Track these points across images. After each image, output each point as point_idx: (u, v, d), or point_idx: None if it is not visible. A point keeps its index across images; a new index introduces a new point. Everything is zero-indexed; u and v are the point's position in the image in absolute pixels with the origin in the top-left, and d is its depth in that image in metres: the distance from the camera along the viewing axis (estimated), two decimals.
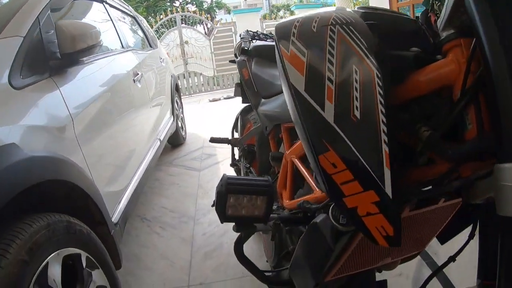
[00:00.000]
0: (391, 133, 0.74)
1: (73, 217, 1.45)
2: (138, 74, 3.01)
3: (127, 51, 3.17)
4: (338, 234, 0.95)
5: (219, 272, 2.28)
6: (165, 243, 2.69)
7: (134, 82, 2.87)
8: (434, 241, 1.23)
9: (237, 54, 2.36)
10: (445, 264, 1.23)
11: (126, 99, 2.65)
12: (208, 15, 10.39)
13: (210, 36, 9.39)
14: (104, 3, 3.09)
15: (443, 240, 1.26)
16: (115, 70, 2.59)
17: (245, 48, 2.25)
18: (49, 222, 1.27)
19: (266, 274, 1.40)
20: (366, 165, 0.74)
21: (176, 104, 4.71)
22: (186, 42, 9.11)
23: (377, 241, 0.75)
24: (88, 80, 2.04)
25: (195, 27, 9.47)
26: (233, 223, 1.15)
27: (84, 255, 1.44)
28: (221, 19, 10.43)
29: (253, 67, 2.12)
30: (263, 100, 1.97)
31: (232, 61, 2.49)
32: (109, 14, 3.12)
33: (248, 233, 1.36)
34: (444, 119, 0.79)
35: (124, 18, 3.78)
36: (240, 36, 2.51)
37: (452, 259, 1.20)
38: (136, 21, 4.29)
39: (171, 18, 9.19)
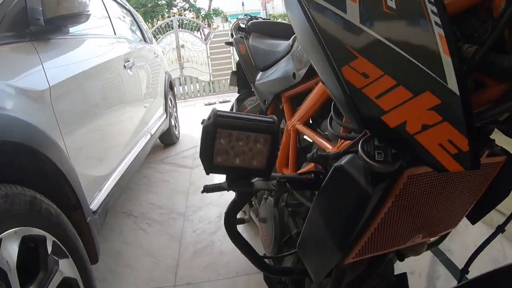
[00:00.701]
0: (443, 11, 0.52)
1: (43, 196, 1.25)
2: (129, 61, 2.84)
3: (119, 38, 3.03)
4: (372, 179, 0.69)
5: (209, 271, 2.05)
6: (151, 240, 2.45)
7: (125, 68, 2.70)
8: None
9: (233, 33, 2.22)
10: (493, 235, 1.00)
11: (114, 82, 2.46)
12: (206, 21, 10.19)
13: (206, 40, 9.19)
14: None
15: (474, 218, 1.05)
16: (104, 51, 2.42)
17: (242, 25, 2.11)
18: (7, 192, 1.05)
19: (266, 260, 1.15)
20: (414, 60, 0.53)
21: (170, 102, 4.53)
22: (183, 46, 8.89)
23: (442, 165, 0.54)
24: (73, 53, 1.90)
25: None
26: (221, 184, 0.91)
27: (50, 239, 1.21)
28: (218, 26, 10.19)
29: (250, 41, 1.98)
30: (260, 73, 1.81)
31: (229, 43, 2.31)
32: (103, 2, 2.97)
33: (243, 196, 1.00)
34: (490, 33, 0.55)
35: (119, 10, 3.62)
36: (238, 19, 2.35)
37: (500, 229, 0.98)
38: (132, 15, 4.11)
39: (168, 24, 8.99)
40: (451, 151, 0.53)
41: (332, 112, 1.07)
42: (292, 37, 1.52)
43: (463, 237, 1.09)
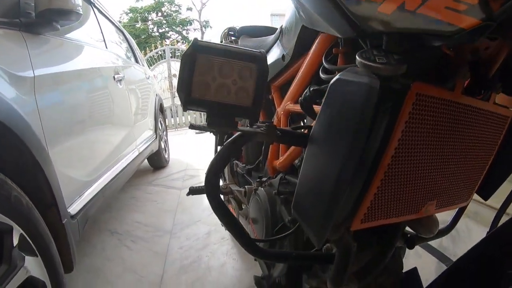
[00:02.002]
0: None
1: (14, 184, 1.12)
2: (119, 74, 2.78)
3: (110, 52, 2.98)
4: (377, 102, 0.57)
5: None
6: (135, 256, 2.26)
7: (114, 79, 2.63)
8: (451, 240, 0.93)
9: (223, 40, 2.16)
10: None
11: (102, 91, 2.38)
12: None
13: None
14: (92, 6, 2.93)
15: (485, 194, 0.96)
16: (94, 59, 2.36)
17: (231, 32, 2.09)
18: None
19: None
20: None
21: (160, 125, 4.45)
22: (175, 75, 8.88)
23: (455, 25, 0.48)
24: (62, 52, 1.88)
25: None
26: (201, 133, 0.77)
27: (17, 231, 1.06)
28: None
29: (240, 42, 1.93)
30: None
31: None
32: (96, 17, 2.94)
33: (227, 149, 0.81)
34: None
35: (112, 27, 3.60)
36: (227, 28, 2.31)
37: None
38: (124, 36, 4.08)
39: (160, 55, 9.00)
40: (461, 8, 0.46)
41: (323, 62, 0.97)
42: (279, 26, 1.45)
43: (468, 243, 0.99)
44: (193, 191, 1.79)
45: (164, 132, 4.84)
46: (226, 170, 2.04)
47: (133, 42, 4.34)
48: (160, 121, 4.48)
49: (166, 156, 4.74)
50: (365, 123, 0.58)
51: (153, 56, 9.02)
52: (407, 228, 1.00)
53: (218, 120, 0.75)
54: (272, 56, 1.43)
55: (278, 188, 1.16)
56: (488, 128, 0.78)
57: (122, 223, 2.79)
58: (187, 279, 1.95)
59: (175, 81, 8.92)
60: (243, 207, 1.73)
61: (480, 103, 0.72)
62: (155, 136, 4.04)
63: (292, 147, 1.17)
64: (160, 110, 4.65)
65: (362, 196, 0.66)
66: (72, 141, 1.76)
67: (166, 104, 8.60)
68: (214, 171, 0.82)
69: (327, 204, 0.65)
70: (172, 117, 9.06)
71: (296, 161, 1.18)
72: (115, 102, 2.57)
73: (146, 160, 4.35)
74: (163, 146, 4.55)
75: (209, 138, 6.45)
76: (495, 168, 0.89)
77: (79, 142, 1.86)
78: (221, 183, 2.02)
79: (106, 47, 2.91)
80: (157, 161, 4.42)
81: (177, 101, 8.99)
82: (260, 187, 1.29)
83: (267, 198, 1.19)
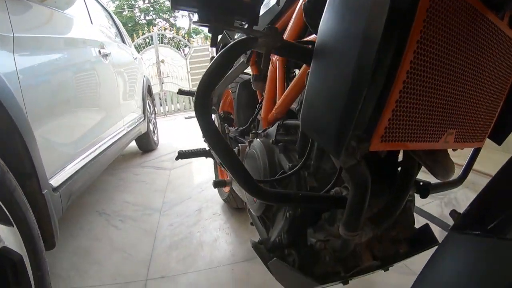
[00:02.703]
0: None
1: None
2: (105, 49, 2.69)
3: (96, 27, 2.88)
4: None
5: (186, 264, 1.77)
6: (123, 235, 2.15)
7: (100, 54, 2.54)
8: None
9: None
10: None
11: (87, 63, 2.29)
12: (186, 37, 10.03)
13: (187, 55, 9.00)
14: None
15: (499, 138, 0.90)
16: (78, 29, 2.30)
17: None
18: None
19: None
20: None
21: (148, 107, 4.31)
22: (162, 61, 8.68)
23: None
24: (44, 17, 1.81)
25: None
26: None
27: None
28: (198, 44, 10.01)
29: None
30: None
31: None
32: None
33: (224, 57, 0.70)
34: None
35: (98, 6, 3.45)
36: None
37: None
38: (111, 16, 3.93)
39: (148, 42, 8.79)
40: None
41: None
42: None
43: None
44: (182, 154, 1.69)
45: (153, 115, 4.71)
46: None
47: (120, 24, 4.19)
48: (148, 103, 4.35)
49: (155, 138, 4.61)
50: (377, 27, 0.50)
51: (141, 44, 8.80)
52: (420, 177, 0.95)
53: (211, 14, 0.65)
54: (266, 5, 1.34)
55: (275, 136, 1.07)
56: (504, 55, 0.72)
57: (110, 203, 2.68)
58: (178, 255, 1.85)
59: (163, 67, 8.75)
60: None
61: (498, 21, 0.65)
62: (143, 117, 3.91)
63: (291, 87, 1.06)
64: (148, 92, 4.52)
65: (380, 110, 0.57)
66: (54, 108, 1.66)
67: (155, 90, 8.41)
68: (207, 83, 0.70)
69: (345, 107, 0.56)
70: (161, 105, 8.88)
71: (295, 105, 1.08)
72: (100, 76, 2.47)
73: (135, 144, 4.28)
74: (151, 129, 4.42)
75: (197, 125, 6.24)
76: (508, 111, 0.84)
77: (61, 110, 1.75)
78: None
79: (92, 23, 2.81)
80: (146, 143, 4.30)
81: (166, 87, 8.82)
82: (255, 139, 1.19)
83: (263, 148, 1.10)
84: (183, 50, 10.13)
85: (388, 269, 1.02)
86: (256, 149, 1.14)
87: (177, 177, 3.21)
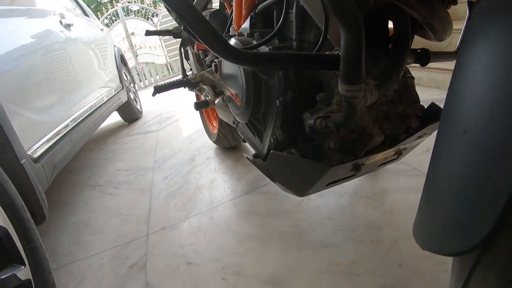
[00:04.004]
0: None
1: None
2: (66, 19, 2.52)
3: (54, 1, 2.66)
4: None
5: (186, 210, 1.64)
6: (120, 200, 2.01)
7: (61, 24, 2.39)
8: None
9: None
10: None
11: (52, 34, 2.15)
12: (151, 5, 9.57)
13: (156, 23, 8.58)
14: None
15: None
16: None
17: None
18: None
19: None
20: None
21: (125, 77, 4.10)
22: (132, 34, 8.27)
23: None
24: None
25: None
26: None
27: None
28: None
29: None
30: None
31: None
32: None
33: None
34: None
35: None
36: None
37: None
38: None
39: (114, 20, 8.34)
40: None
41: None
42: None
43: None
44: (159, 88, 1.55)
45: (132, 84, 4.48)
46: (192, 63, 1.74)
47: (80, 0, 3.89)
48: (124, 73, 4.13)
49: (138, 107, 4.41)
50: None
51: (107, 23, 8.35)
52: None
53: None
54: None
55: (250, 28, 0.95)
56: None
57: (103, 175, 2.53)
58: (176, 203, 1.73)
59: (134, 40, 8.35)
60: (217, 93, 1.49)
61: None
62: (121, 86, 3.71)
63: None
64: (123, 62, 4.30)
65: None
66: (21, 77, 1.54)
67: (130, 64, 8.08)
68: None
69: None
70: (140, 80, 8.55)
71: None
72: (66, 47, 2.30)
73: (119, 117, 4.14)
74: (132, 97, 4.20)
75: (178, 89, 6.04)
76: None
77: (29, 79, 1.63)
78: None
79: None
80: (129, 113, 4.11)
81: (141, 59, 8.47)
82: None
83: (240, 44, 0.94)
84: (152, 20, 9.67)
85: (401, 153, 0.89)
86: None
87: (165, 135, 3.05)
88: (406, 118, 0.81)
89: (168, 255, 1.36)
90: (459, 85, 0.35)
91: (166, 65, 8.63)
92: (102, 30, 3.86)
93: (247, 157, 0.96)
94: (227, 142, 2.08)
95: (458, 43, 0.98)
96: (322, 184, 0.80)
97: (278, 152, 0.82)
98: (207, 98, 1.50)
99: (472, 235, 0.28)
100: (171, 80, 1.71)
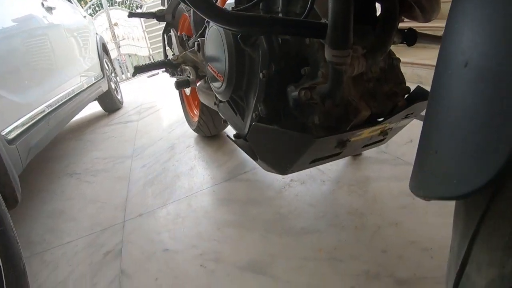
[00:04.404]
0: None
1: None
2: (48, 2, 2.45)
3: None
4: None
5: (164, 197, 1.58)
6: (96, 188, 1.94)
7: (43, 6, 2.31)
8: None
9: None
10: None
11: (32, 16, 2.08)
12: None
13: None
14: None
15: None
16: None
17: None
18: None
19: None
20: None
21: (106, 66, 3.99)
22: (116, 24, 8.09)
23: None
24: None
25: None
26: None
27: None
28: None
29: None
30: None
31: None
32: None
33: None
34: None
35: None
36: None
37: None
38: None
39: (97, 10, 8.14)
40: None
41: None
42: None
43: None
44: (139, 68, 1.49)
45: (113, 74, 4.37)
46: (175, 45, 1.68)
47: None
48: (106, 62, 4.03)
49: (119, 97, 4.30)
50: None
51: (91, 13, 8.14)
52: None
53: None
54: None
55: (235, 3, 0.89)
56: None
57: (80, 163, 2.43)
58: (154, 190, 1.67)
59: (117, 30, 8.17)
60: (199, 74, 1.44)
61: None
62: (102, 74, 3.61)
63: None
64: (105, 51, 4.18)
65: None
66: None
67: (113, 55, 7.89)
68: None
69: None
70: (122, 73, 8.36)
71: None
72: (48, 28, 2.24)
73: (100, 107, 4.05)
74: (113, 87, 4.10)
75: (160, 80, 5.97)
76: None
77: (5, 58, 1.58)
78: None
79: None
80: (110, 103, 4.00)
81: (123, 50, 8.30)
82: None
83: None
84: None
85: (387, 133, 0.85)
86: (216, 27, 0.93)
87: (145, 125, 2.97)
88: (393, 96, 0.78)
89: (145, 242, 1.30)
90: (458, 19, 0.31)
91: (149, 57, 8.47)
92: (84, 17, 3.76)
93: (227, 136, 0.92)
94: (207, 130, 2.02)
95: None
96: (306, 159, 0.76)
97: (260, 124, 0.77)
98: (189, 78, 1.45)
99: (484, 170, 0.24)
100: (152, 61, 1.66)
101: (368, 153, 1.56)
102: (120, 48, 8.20)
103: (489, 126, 0.25)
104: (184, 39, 1.60)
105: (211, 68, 1.04)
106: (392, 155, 1.49)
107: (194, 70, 1.44)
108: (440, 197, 0.29)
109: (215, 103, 1.19)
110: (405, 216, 1.09)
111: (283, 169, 0.81)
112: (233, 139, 0.94)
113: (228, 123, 1.07)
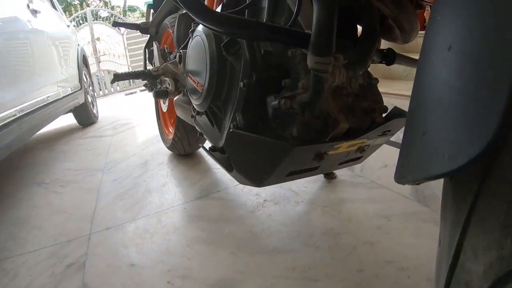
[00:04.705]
0: None
1: None
2: (33, 4, 2.45)
3: None
4: None
5: (134, 212, 1.52)
6: (65, 198, 1.85)
7: (29, 8, 2.29)
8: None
9: None
10: None
11: (15, 13, 2.07)
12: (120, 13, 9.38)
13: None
14: None
15: None
16: None
17: None
18: None
19: None
20: None
21: (85, 78, 3.94)
22: (98, 39, 8.02)
23: None
24: None
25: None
26: None
27: None
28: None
29: None
30: None
31: None
32: None
33: None
34: None
35: None
36: None
37: None
38: None
39: (80, 22, 8.07)
40: None
41: None
42: None
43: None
44: (118, 76, 1.46)
45: (91, 87, 4.30)
46: (156, 57, 1.66)
47: None
48: (84, 74, 3.96)
49: (95, 111, 4.22)
50: None
51: (74, 25, 8.06)
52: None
53: None
54: None
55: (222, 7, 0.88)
56: None
57: (50, 173, 2.34)
58: (124, 204, 1.61)
59: (99, 45, 8.09)
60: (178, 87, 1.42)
61: None
62: (80, 86, 3.55)
63: None
64: (85, 63, 4.13)
65: None
66: None
67: (92, 70, 7.80)
68: None
69: None
70: (100, 89, 8.24)
71: None
72: (30, 31, 2.22)
73: (74, 120, 3.95)
74: (90, 100, 4.02)
75: (138, 99, 5.91)
76: None
77: None
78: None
79: None
80: (85, 117, 3.91)
81: (103, 65, 8.20)
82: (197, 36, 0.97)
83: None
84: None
85: (364, 150, 0.84)
86: (199, 34, 0.92)
87: (119, 140, 2.91)
88: (371, 112, 0.78)
89: (110, 255, 1.24)
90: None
91: None
92: (68, 26, 3.73)
93: (203, 147, 0.89)
94: (182, 148, 1.99)
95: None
96: (284, 171, 0.74)
97: (238, 130, 0.75)
98: (168, 88, 1.43)
99: (474, 142, 0.24)
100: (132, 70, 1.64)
101: (343, 176, 1.55)
102: (100, 64, 8.11)
103: (476, 100, 0.24)
104: (166, 51, 1.59)
105: (191, 79, 1.03)
106: (367, 178, 1.49)
107: (173, 82, 1.42)
108: (431, 176, 0.28)
109: (192, 116, 1.17)
110: (381, 236, 1.08)
111: (259, 181, 0.78)
112: (209, 150, 0.92)
113: (205, 136, 1.05)
